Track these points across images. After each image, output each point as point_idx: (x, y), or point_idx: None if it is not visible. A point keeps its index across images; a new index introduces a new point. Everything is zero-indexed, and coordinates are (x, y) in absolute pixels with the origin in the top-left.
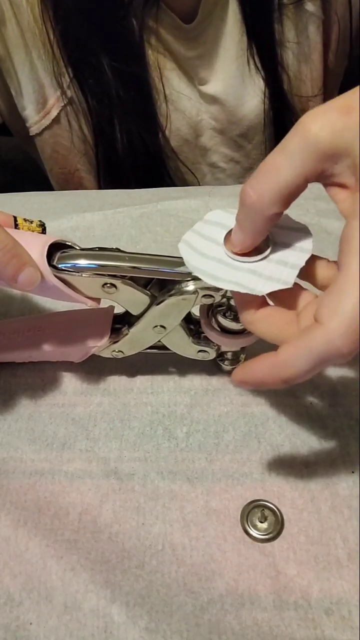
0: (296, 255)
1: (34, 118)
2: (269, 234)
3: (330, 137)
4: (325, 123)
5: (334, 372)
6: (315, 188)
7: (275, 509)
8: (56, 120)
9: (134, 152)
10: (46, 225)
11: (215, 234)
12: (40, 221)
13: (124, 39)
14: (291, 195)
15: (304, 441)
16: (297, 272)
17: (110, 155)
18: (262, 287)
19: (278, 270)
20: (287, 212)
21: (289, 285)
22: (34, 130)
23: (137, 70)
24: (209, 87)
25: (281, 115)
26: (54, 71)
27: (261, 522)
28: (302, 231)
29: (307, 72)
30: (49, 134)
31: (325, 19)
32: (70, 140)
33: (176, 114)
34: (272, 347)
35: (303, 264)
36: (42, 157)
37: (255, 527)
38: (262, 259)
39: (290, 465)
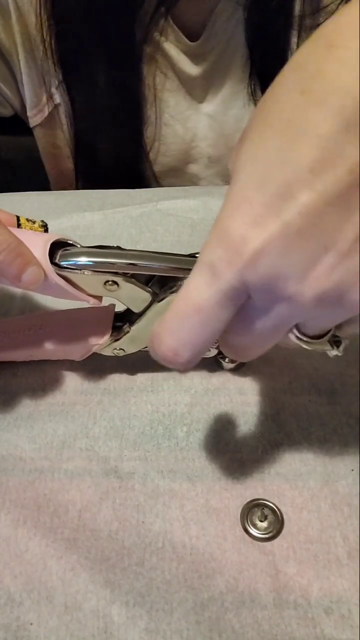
0: None
1: (30, 111)
2: None
3: None
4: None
5: (333, 370)
6: None
7: (275, 508)
8: (48, 119)
9: (115, 165)
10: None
11: None
12: (42, 221)
13: (123, 46)
14: None
15: (303, 439)
16: None
17: (89, 164)
18: None
19: None
20: None
21: None
22: (31, 123)
23: (130, 82)
24: (208, 106)
25: None
26: (42, 69)
27: (261, 521)
28: None
29: None
30: (41, 132)
31: None
32: (59, 141)
33: (166, 138)
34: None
35: None
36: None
37: (255, 526)
38: None
39: (289, 464)
